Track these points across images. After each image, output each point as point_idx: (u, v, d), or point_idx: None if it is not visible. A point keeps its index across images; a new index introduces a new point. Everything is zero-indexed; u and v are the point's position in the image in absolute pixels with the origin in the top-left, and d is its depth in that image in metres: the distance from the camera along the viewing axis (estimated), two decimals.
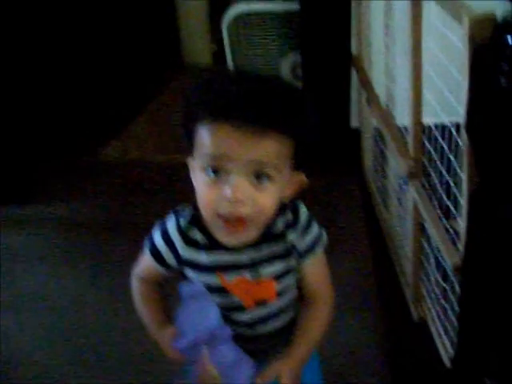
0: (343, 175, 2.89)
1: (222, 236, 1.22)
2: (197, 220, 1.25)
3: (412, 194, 1.96)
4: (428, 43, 1.80)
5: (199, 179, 1.16)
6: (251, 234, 1.21)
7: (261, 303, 1.28)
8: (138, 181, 3.09)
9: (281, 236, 1.26)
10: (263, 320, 1.31)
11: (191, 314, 1.19)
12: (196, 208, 1.21)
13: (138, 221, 2.68)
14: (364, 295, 2.32)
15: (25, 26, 2.82)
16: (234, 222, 1.15)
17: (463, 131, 1.37)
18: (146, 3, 3.69)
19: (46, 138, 3.02)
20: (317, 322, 1.33)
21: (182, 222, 1.27)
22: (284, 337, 1.35)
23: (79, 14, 3.09)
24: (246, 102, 1.10)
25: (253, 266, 1.25)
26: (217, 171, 1.13)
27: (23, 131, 2.90)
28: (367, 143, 2.80)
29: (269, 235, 1.25)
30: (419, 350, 2.05)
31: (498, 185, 1.26)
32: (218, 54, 3.91)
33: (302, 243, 1.27)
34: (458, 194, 1.64)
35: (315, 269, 1.32)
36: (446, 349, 1.92)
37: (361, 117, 2.82)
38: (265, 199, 1.14)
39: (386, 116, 2.30)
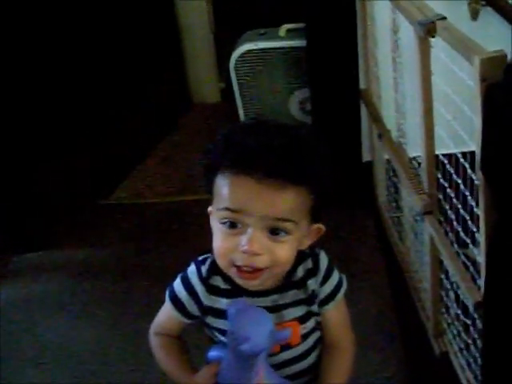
0: (357, 209, 2.88)
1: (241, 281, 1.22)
2: (217, 267, 1.25)
3: (428, 229, 1.95)
4: (437, 79, 1.80)
5: (216, 228, 1.17)
6: (267, 282, 1.21)
7: (285, 347, 1.28)
8: (151, 223, 3.08)
9: (301, 283, 1.26)
10: (287, 363, 1.31)
11: (247, 323, 1.18)
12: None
13: (154, 264, 2.70)
14: (384, 330, 2.30)
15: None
16: (249, 271, 1.15)
17: (479, 171, 1.37)
18: (152, 41, 3.70)
19: (58, 183, 3.02)
20: (339, 372, 1.32)
21: (204, 270, 1.27)
22: (306, 379, 1.34)
23: (90, 56, 3.10)
24: (265, 155, 1.10)
25: (276, 309, 1.25)
26: (234, 224, 1.13)
27: (35, 178, 2.91)
28: (380, 176, 2.79)
29: (289, 283, 1.25)
30: None
31: None
32: (226, 92, 3.92)
33: (323, 291, 1.28)
34: (474, 229, 1.63)
35: (336, 315, 1.32)
36: (469, 383, 1.90)
37: (372, 150, 2.82)
38: (282, 251, 1.15)
39: (398, 150, 2.30)
